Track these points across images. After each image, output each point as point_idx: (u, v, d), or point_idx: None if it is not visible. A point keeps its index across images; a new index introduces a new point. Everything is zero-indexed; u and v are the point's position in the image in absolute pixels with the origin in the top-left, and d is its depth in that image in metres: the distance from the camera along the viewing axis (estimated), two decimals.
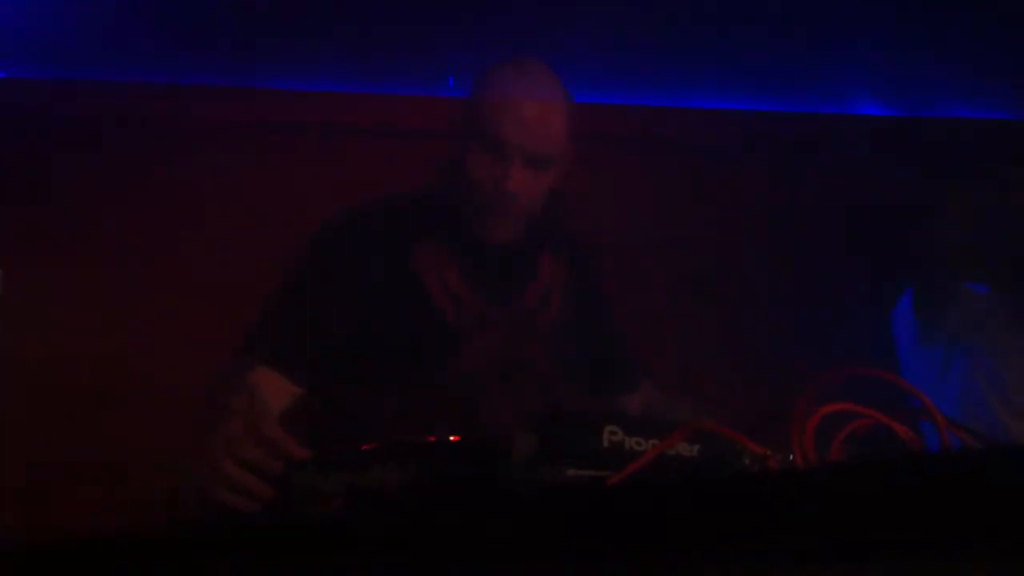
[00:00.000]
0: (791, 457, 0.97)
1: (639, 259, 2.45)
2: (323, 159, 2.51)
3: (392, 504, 1.07)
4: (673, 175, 2.58)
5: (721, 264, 2.53)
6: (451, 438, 1.16)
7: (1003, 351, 2.15)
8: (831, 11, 2.54)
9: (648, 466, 1.02)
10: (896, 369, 2.21)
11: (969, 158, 2.47)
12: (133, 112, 2.50)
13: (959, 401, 2.14)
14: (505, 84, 1.84)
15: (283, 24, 2.50)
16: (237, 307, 2.30)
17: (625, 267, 2.22)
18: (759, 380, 2.14)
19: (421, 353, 1.81)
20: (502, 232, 1.85)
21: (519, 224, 1.86)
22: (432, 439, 1.15)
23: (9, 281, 2.16)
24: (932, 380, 2.15)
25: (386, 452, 1.14)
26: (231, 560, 0.82)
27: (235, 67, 2.56)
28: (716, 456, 1.03)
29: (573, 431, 1.08)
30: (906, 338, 2.27)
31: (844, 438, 0.97)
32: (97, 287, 2.32)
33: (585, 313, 1.97)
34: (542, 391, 1.87)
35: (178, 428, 1.89)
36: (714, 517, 0.71)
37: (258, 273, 2.35)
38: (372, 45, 2.55)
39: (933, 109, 2.72)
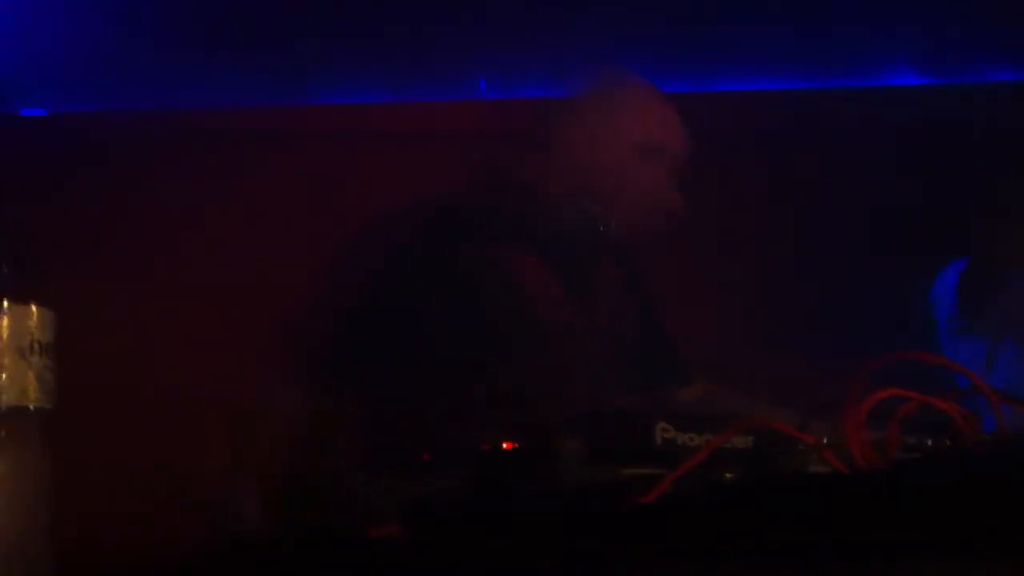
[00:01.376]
0: (845, 444, 0.97)
1: (677, 248, 2.43)
2: (334, 167, 2.52)
3: (447, 514, 1.07)
4: (700, 161, 2.56)
5: (755, 252, 2.51)
6: (505, 445, 1.16)
7: None
8: None
9: (704, 462, 1.02)
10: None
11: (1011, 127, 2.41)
12: (149, 134, 2.52)
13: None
14: (629, 87, 1.89)
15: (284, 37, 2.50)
16: (258, 318, 2.34)
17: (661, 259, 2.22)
18: (806, 371, 2.13)
19: (516, 354, 1.83)
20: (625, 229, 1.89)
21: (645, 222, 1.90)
22: (486, 447, 1.15)
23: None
24: (975, 371, 2.09)
25: (441, 461, 1.15)
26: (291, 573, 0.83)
27: (246, 83, 2.58)
28: (771, 448, 1.03)
29: (625, 431, 1.08)
30: (946, 327, 2.22)
31: (898, 422, 0.97)
32: (120, 306, 2.34)
33: (635, 308, 1.98)
34: (596, 391, 1.87)
35: (193, 437, 1.93)
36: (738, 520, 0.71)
37: (274, 282, 2.39)
38: (373, 51, 2.55)
39: (972, 75, 2.65)
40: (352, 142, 2.57)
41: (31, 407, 0.98)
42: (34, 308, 1.00)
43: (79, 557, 0.96)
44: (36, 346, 0.99)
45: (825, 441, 0.99)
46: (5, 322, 0.99)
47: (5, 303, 1.00)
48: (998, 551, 0.66)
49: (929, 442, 1.02)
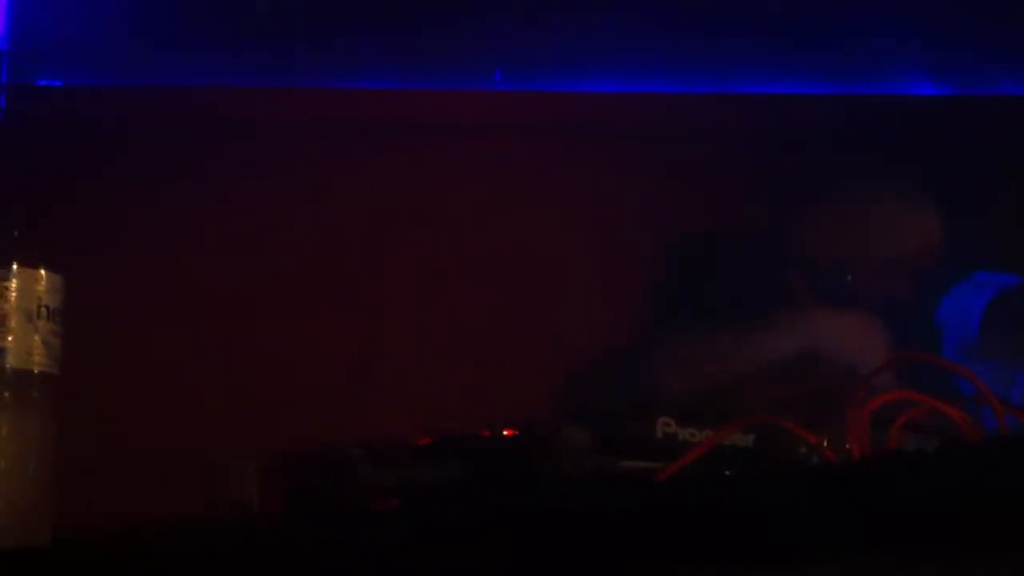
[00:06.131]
0: (847, 446, 0.97)
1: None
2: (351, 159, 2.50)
3: (445, 500, 1.08)
4: (710, 166, 2.54)
5: (765, 256, 2.49)
6: (505, 432, 1.16)
7: None
8: None
9: (702, 457, 1.02)
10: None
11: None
12: (174, 115, 2.50)
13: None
14: None
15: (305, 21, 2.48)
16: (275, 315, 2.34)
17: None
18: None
19: None
20: None
21: None
22: (487, 433, 1.16)
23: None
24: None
25: (441, 446, 1.15)
26: (285, 554, 0.84)
27: (273, 67, 2.56)
28: (772, 446, 1.03)
29: (627, 423, 1.08)
30: (958, 349, 2.17)
31: (901, 425, 0.97)
32: (140, 291, 2.33)
33: None
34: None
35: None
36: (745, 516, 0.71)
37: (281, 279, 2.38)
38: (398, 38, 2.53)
39: (987, 86, 2.63)
40: None
41: (35, 371, 0.99)
42: (43, 272, 1.01)
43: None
44: (44, 311, 0.99)
45: (826, 441, 0.99)
46: (13, 285, 0.99)
47: (14, 266, 1.00)
48: (993, 548, 0.66)
49: (931, 447, 1.02)
